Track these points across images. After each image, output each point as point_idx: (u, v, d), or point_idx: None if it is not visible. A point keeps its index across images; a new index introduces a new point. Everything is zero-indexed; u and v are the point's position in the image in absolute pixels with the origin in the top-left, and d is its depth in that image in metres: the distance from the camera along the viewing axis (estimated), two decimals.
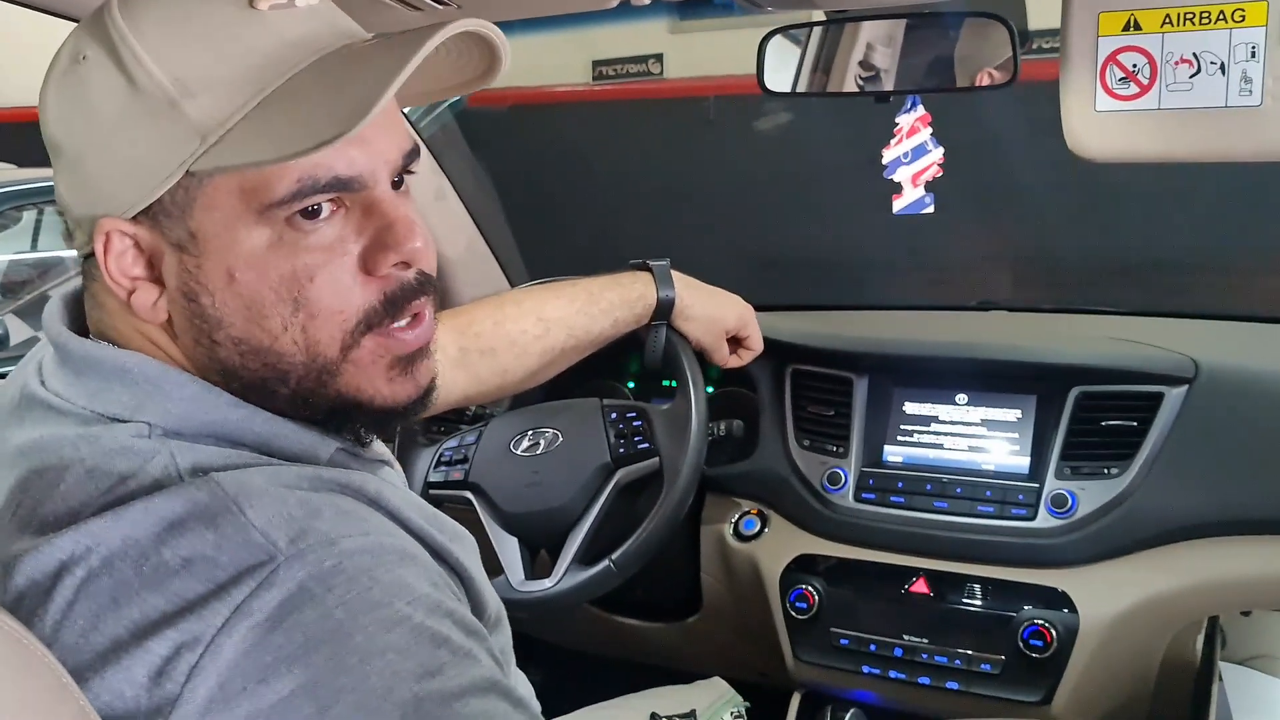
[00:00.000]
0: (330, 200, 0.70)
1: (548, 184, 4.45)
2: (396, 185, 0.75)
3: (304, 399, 0.73)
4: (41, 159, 0.76)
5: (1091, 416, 1.42)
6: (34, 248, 4.17)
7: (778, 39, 1.43)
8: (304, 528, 0.65)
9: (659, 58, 6.04)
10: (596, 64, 6.17)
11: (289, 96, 0.68)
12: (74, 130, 0.71)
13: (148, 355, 0.73)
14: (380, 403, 0.75)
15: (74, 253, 0.76)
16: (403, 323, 0.75)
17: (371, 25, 0.76)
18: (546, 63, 5.52)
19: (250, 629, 0.61)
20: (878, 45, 1.42)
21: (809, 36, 1.45)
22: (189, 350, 0.73)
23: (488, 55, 0.75)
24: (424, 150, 1.72)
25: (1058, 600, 1.36)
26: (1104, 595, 1.35)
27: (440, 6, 1.25)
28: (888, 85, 1.41)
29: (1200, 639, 1.44)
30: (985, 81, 1.32)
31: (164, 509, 0.64)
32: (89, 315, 0.77)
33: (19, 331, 3.56)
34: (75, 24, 0.85)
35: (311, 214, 0.70)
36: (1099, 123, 1.04)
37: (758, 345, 1.49)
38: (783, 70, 1.45)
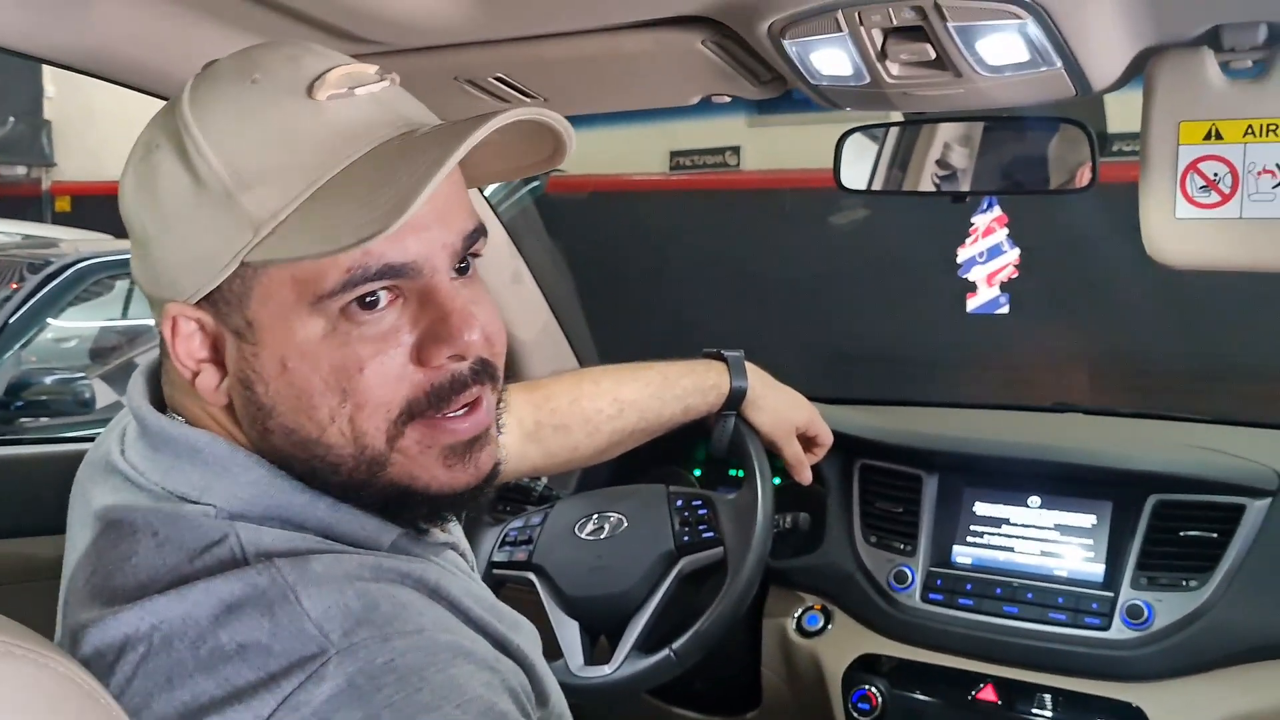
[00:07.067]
0: (386, 289, 0.69)
1: (622, 269, 4.50)
2: (464, 270, 0.74)
3: (356, 490, 0.72)
4: None
5: (1170, 526, 1.38)
6: (124, 315, 4.33)
7: (855, 136, 1.45)
8: (359, 620, 0.64)
9: (736, 150, 6.14)
10: (674, 154, 6.28)
11: (340, 188, 0.68)
12: (144, 216, 0.72)
13: (215, 435, 0.73)
14: (436, 489, 0.74)
15: None
16: (456, 412, 0.73)
17: (462, 114, 0.74)
18: (624, 151, 5.63)
19: None
20: (955, 145, 1.43)
21: (886, 135, 1.46)
22: (248, 434, 0.73)
23: (553, 137, 0.74)
24: (503, 234, 1.76)
25: (1132, 715, 1.31)
26: (1181, 712, 1.30)
27: (526, 99, 1.30)
28: (964, 185, 1.41)
29: None
30: (1082, 179, 1.30)
31: (224, 591, 0.65)
32: (164, 389, 0.78)
33: (105, 396, 3.67)
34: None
35: (368, 304, 0.69)
36: (1179, 230, 1.03)
37: (827, 440, 1.47)
38: (859, 167, 1.47)
